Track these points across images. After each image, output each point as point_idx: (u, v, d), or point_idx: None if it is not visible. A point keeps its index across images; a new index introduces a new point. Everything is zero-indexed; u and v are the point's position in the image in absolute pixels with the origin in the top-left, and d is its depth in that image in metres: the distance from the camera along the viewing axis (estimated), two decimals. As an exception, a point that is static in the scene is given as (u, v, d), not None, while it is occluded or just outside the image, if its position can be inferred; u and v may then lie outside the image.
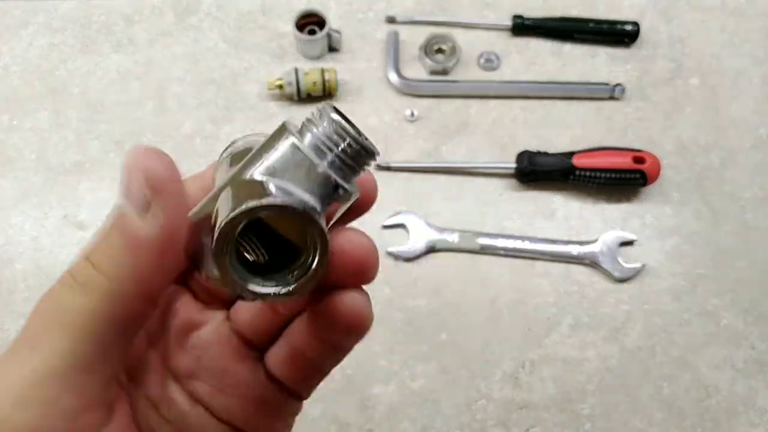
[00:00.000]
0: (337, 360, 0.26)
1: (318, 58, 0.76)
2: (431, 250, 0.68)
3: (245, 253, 0.22)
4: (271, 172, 0.21)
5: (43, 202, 0.69)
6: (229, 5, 0.79)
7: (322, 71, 0.71)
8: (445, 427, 0.62)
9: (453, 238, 0.68)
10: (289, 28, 0.74)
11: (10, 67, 0.75)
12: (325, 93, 0.72)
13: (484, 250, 0.68)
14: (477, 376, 0.64)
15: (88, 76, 0.75)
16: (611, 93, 0.74)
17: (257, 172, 0.21)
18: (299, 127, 0.23)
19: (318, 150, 0.22)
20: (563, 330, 0.66)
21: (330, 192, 0.22)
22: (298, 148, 0.22)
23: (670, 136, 0.74)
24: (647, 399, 0.64)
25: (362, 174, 0.24)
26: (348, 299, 0.23)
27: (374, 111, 0.74)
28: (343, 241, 0.22)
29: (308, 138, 0.22)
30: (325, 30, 0.73)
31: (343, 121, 0.22)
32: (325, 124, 0.22)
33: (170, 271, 0.22)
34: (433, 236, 0.68)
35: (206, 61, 0.76)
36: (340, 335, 0.24)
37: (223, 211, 0.20)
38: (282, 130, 0.22)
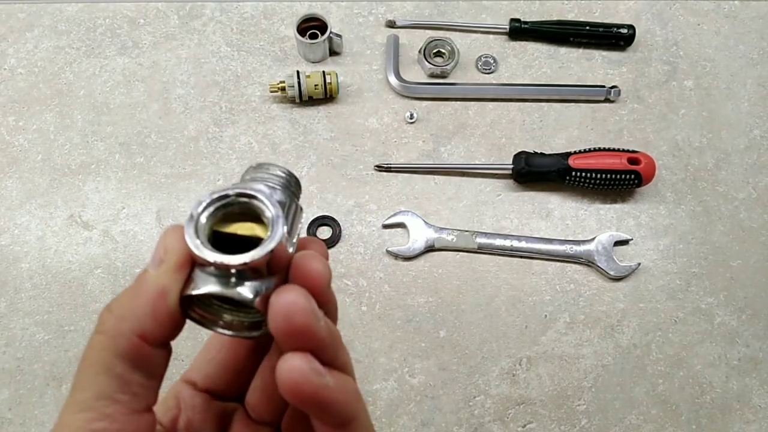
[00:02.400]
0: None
1: (319, 61, 0.77)
2: (430, 249, 0.69)
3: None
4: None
5: (49, 203, 0.70)
6: (232, 9, 0.80)
7: (324, 74, 0.72)
8: (443, 422, 0.63)
9: (451, 238, 0.69)
10: (291, 32, 0.76)
11: (15, 70, 0.76)
12: (327, 95, 0.74)
13: (482, 249, 0.69)
14: (475, 373, 0.65)
15: (94, 78, 0.76)
16: (607, 95, 0.76)
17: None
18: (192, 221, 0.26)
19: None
20: (559, 327, 0.67)
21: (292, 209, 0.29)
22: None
23: (664, 137, 0.75)
24: (642, 396, 0.64)
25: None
26: (285, 365, 0.23)
27: (374, 113, 0.75)
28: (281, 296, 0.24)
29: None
30: (327, 34, 0.74)
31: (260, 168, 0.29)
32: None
33: (163, 315, 0.25)
34: (432, 235, 0.69)
35: (210, 64, 0.77)
36: (295, 404, 0.24)
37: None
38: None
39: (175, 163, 0.72)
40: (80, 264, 0.68)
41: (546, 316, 0.67)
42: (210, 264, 0.24)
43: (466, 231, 0.69)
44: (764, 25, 0.82)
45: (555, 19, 0.79)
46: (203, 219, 0.25)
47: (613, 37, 0.78)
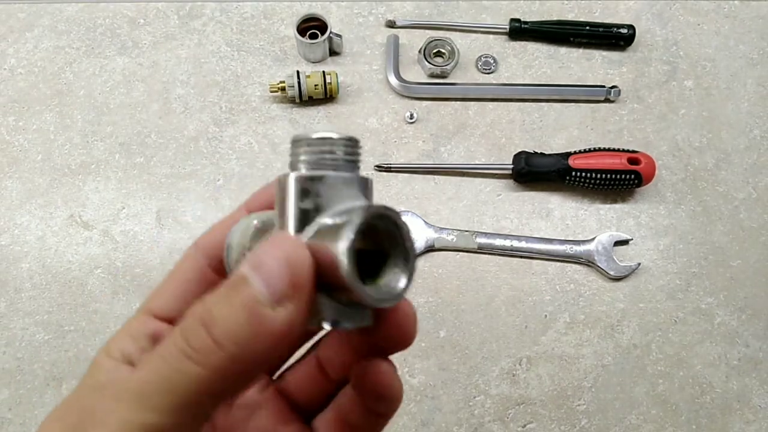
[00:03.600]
0: (379, 426, 0.27)
1: (319, 61, 0.77)
2: (430, 249, 0.69)
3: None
4: (324, 207, 0.23)
5: (49, 203, 0.70)
6: (232, 9, 0.80)
7: (324, 74, 0.72)
8: (443, 422, 0.63)
9: (451, 238, 0.69)
10: (291, 32, 0.76)
11: (15, 70, 0.76)
12: (327, 95, 0.74)
13: (482, 249, 0.69)
14: (475, 373, 0.65)
15: (93, 78, 0.76)
16: (607, 95, 0.76)
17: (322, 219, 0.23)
18: (290, 165, 0.25)
19: (321, 165, 0.24)
20: (559, 327, 0.67)
21: (367, 186, 0.24)
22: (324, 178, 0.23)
23: (664, 137, 0.75)
24: (642, 396, 0.64)
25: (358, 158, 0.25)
26: (383, 368, 0.25)
27: (374, 113, 0.75)
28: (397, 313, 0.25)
29: (306, 166, 0.24)
30: (327, 34, 0.74)
31: (321, 134, 0.24)
32: (308, 147, 0.24)
33: (284, 351, 0.24)
34: (432, 235, 0.69)
35: (210, 64, 0.77)
36: (375, 402, 0.26)
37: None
38: (284, 180, 0.23)
39: (175, 163, 0.72)
40: (80, 264, 0.68)
41: (546, 316, 0.67)
42: (365, 304, 0.21)
43: (466, 231, 0.69)
44: (764, 25, 0.82)
45: (555, 19, 0.79)
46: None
47: (613, 37, 0.78)
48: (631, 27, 0.77)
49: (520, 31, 0.78)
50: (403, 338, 0.25)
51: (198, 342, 0.20)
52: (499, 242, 0.69)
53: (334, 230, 0.21)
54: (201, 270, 0.28)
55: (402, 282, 0.22)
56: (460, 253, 0.69)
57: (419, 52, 0.76)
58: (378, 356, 0.26)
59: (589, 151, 0.70)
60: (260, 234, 0.25)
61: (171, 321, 0.26)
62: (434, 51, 0.77)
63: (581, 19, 0.79)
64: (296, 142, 0.25)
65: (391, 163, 0.72)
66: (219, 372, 0.20)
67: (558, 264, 0.69)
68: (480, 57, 0.78)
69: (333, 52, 0.77)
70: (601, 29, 0.78)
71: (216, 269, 0.27)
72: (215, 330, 0.20)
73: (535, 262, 0.69)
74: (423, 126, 0.75)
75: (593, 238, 0.69)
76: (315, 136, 0.24)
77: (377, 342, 0.25)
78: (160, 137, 0.73)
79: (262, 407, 0.28)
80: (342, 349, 0.28)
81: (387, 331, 0.25)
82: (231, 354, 0.20)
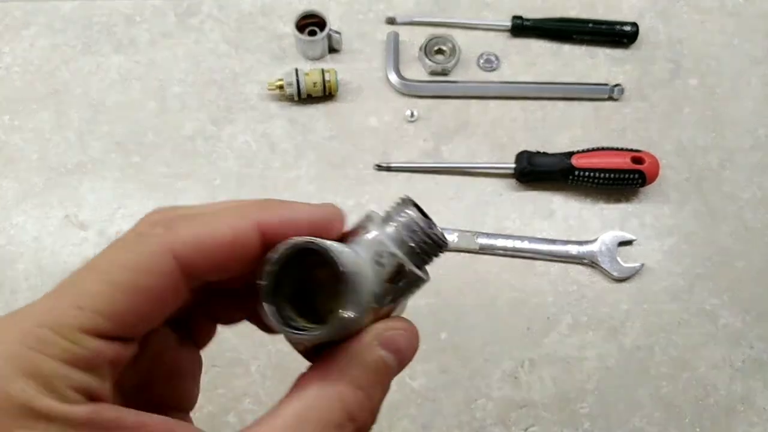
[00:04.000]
0: None
1: (318, 58, 0.76)
2: (431, 249, 0.68)
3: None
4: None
5: (45, 203, 0.69)
6: (229, 6, 0.79)
7: (323, 72, 0.71)
8: (444, 425, 0.62)
9: (452, 238, 0.68)
10: (290, 29, 0.75)
11: (11, 68, 0.75)
12: (326, 93, 0.73)
13: (484, 250, 0.68)
14: (476, 376, 0.64)
15: (90, 76, 0.75)
16: (610, 93, 0.75)
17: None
18: (383, 216, 0.26)
19: (396, 239, 0.25)
20: (562, 329, 0.66)
21: (400, 276, 0.25)
22: (378, 239, 0.25)
23: (668, 136, 0.74)
24: (646, 398, 0.64)
25: (432, 261, 0.27)
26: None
27: (374, 111, 0.74)
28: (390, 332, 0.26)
29: (388, 229, 0.25)
30: (326, 31, 0.73)
31: (419, 218, 0.26)
32: (403, 218, 0.26)
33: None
34: (433, 236, 0.68)
35: (207, 61, 0.76)
36: None
37: None
38: (367, 221, 0.26)
39: (172, 162, 0.71)
40: (76, 265, 0.66)
41: (548, 317, 0.66)
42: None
43: (468, 231, 0.68)
44: (769, 22, 0.81)
45: (558, 16, 0.78)
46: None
47: (616, 35, 0.77)
48: (634, 24, 0.77)
49: (522, 28, 0.77)
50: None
51: (360, 415, 0.24)
52: (501, 243, 0.68)
53: None
54: (168, 275, 0.23)
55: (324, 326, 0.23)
56: (462, 254, 0.68)
57: (420, 49, 0.76)
58: None
59: (593, 150, 0.69)
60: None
61: (103, 335, 0.22)
62: (435, 48, 0.76)
63: (584, 17, 0.78)
64: (409, 225, 0.26)
65: (391, 162, 0.71)
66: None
67: (561, 265, 0.68)
68: (481, 54, 0.77)
69: (332, 50, 0.77)
70: (604, 26, 0.77)
71: (187, 274, 0.23)
72: (371, 405, 0.24)
73: (537, 263, 0.68)
74: (424, 124, 0.74)
75: (596, 239, 0.68)
76: (430, 232, 0.26)
77: None
78: (157, 136, 0.72)
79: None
80: None
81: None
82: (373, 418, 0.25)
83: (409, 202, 0.26)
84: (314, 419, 0.23)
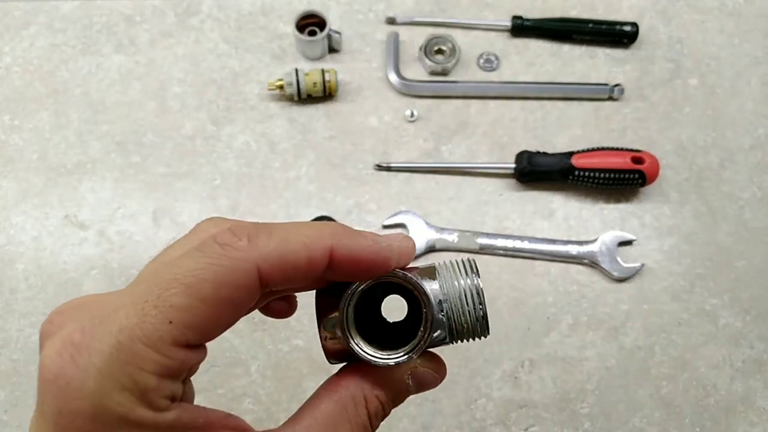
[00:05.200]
0: None
1: (318, 58, 0.76)
2: (431, 249, 0.68)
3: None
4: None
5: (44, 202, 0.69)
6: (229, 6, 0.79)
7: (323, 72, 0.71)
8: (444, 426, 0.62)
9: (452, 238, 0.68)
10: (290, 29, 0.75)
11: (11, 68, 0.75)
12: (326, 93, 0.73)
13: (484, 250, 0.68)
14: (477, 376, 0.64)
15: (90, 76, 0.75)
16: (610, 93, 0.75)
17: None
18: (449, 267, 0.28)
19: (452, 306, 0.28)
20: (562, 329, 0.66)
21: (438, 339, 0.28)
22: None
23: (668, 136, 0.74)
24: (646, 398, 0.64)
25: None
26: None
27: (374, 111, 0.74)
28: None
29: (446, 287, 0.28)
30: (326, 31, 0.73)
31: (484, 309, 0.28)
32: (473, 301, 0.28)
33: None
34: (433, 236, 0.68)
35: (207, 61, 0.76)
36: None
37: None
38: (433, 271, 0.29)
39: (172, 162, 0.71)
40: (76, 265, 0.67)
41: (549, 317, 0.66)
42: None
43: (468, 231, 0.68)
44: (769, 22, 0.81)
45: (557, 16, 0.78)
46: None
47: (616, 35, 0.77)
48: (634, 24, 0.77)
49: (522, 28, 0.77)
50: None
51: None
52: (501, 243, 0.68)
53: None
54: (251, 288, 0.24)
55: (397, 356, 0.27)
56: (462, 254, 0.68)
57: (420, 49, 0.76)
58: None
59: (593, 150, 0.69)
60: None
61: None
62: (435, 48, 0.76)
63: (584, 17, 0.78)
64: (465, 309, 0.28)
65: (391, 162, 0.71)
66: None
67: (561, 265, 0.68)
68: (481, 54, 0.77)
69: (332, 50, 0.77)
70: (604, 26, 0.77)
71: (263, 285, 0.25)
72: (382, 415, 0.28)
73: (537, 263, 0.68)
74: (424, 124, 0.74)
75: (596, 239, 0.68)
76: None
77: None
78: (157, 136, 0.72)
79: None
80: None
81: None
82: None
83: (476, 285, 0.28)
84: (345, 419, 0.27)
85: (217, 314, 0.23)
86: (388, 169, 0.71)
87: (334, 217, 0.69)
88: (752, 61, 0.78)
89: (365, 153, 0.72)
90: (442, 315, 0.27)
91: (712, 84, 0.77)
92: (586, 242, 0.68)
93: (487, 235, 0.68)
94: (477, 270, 0.28)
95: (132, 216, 0.69)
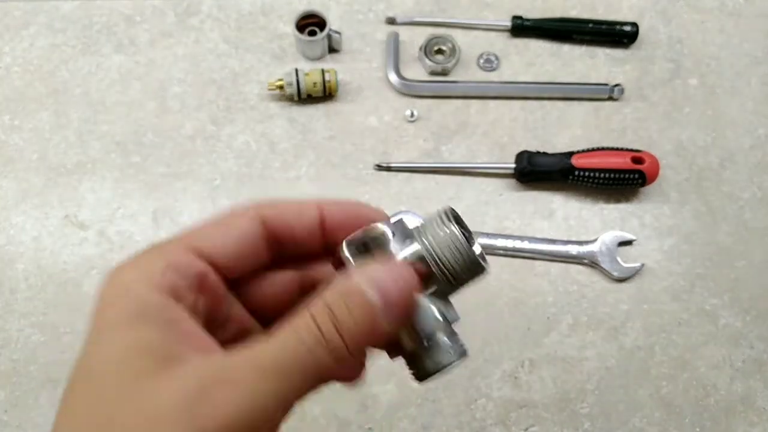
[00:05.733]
0: None
1: (318, 58, 0.76)
2: (431, 249, 0.68)
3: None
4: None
5: (44, 203, 0.69)
6: (229, 6, 0.79)
7: (323, 72, 0.71)
8: (444, 426, 0.62)
9: (453, 238, 0.68)
10: (290, 29, 0.75)
11: (11, 68, 0.75)
12: (326, 93, 0.73)
13: (484, 250, 0.68)
14: (476, 376, 0.64)
15: (90, 76, 0.75)
16: (610, 93, 0.75)
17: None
18: (420, 230, 0.28)
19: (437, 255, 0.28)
20: (562, 329, 0.66)
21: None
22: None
23: (668, 136, 0.74)
24: (646, 398, 0.64)
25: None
26: None
27: (374, 111, 0.74)
28: None
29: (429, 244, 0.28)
30: (326, 31, 0.73)
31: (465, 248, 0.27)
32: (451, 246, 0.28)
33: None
34: (433, 236, 0.68)
35: (207, 61, 0.76)
36: None
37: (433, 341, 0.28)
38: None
39: (172, 162, 0.71)
40: (76, 265, 0.67)
41: (549, 317, 0.66)
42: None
43: (468, 231, 0.68)
44: (769, 22, 0.81)
45: (557, 16, 0.78)
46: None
47: (616, 35, 0.77)
48: (634, 24, 0.77)
49: (522, 28, 0.77)
50: None
51: (329, 333, 0.24)
52: (501, 243, 0.68)
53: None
54: (256, 234, 0.29)
55: (447, 359, 0.28)
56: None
57: (420, 49, 0.76)
58: None
59: (593, 150, 0.69)
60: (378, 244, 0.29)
61: (215, 265, 0.27)
62: (435, 48, 0.76)
63: (584, 17, 0.78)
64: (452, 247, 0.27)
65: (391, 162, 0.71)
66: (340, 362, 0.24)
67: (561, 265, 0.68)
68: (481, 54, 0.77)
69: (332, 50, 0.77)
70: (604, 26, 0.77)
71: (267, 241, 0.29)
72: (342, 328, 0.24)
73: (537, 263, 0.68)
74: (424, 124, 0.74)
75: (596, 239, 0.68)
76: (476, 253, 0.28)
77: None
78: (157, 136, 0.72)
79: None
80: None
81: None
82: (352, 350, 0.25)
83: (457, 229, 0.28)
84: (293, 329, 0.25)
85: (241, 248, 0.28)
86: (388, 169, 0.71)
87: (334, 217, 0.69)
88: (752, 61, 0.78)
89: (365, 153, 0.72)
90: (437, 270, 0.27)
91: (712, 84, 0.77)
92: (586, 242, 0.68)
93: (487, 235, 0.68)
94: (454, 216, 0.28)
95: (132, 216, 0.69)
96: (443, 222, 0.28)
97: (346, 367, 0.26)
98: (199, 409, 0.22)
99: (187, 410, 0.22)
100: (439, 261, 0.27)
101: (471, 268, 0.28)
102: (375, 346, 0.27)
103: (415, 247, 0.28)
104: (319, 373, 0.24)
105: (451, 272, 0.27)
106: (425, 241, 0.28)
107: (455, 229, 0.27)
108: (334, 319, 0.24)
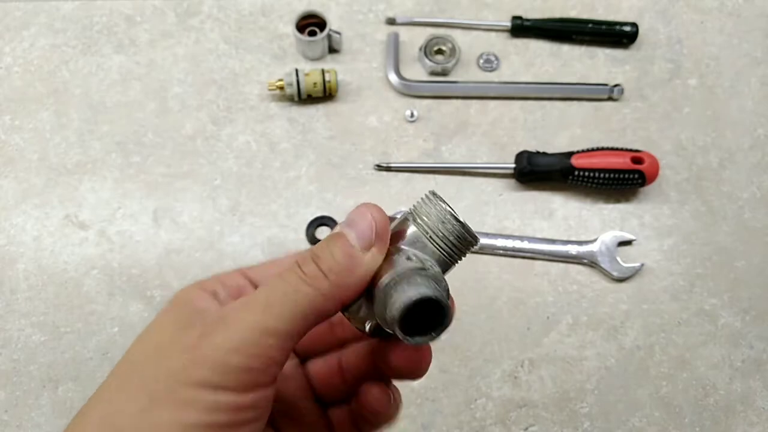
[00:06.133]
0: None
1: (318, 59, 0.76)
2: (431, 249, 0.68)
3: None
4: (417, 259, 0.29)
5: (45, 203, 0.69)
6: (230, 6, 0.79)
7: (323, 72, 0.71)
8: (444, 425, 0.62)
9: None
10: (290, 29, 0.75)
11: (11, 68, 0.75)
12: (326, 93, 0.73)
13: (484, 250, 0.68)
14: (476, 375, 0.64)
15: (90, 76, 0.75)
16: (610, 93, 0.75)
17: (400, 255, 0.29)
18: (422, 219, 0.30)
19: (441, 248, 0.30)
20: (562, 329, 0.66)
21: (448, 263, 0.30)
22: (428, 243, 0.30)
23: (668, 136, 0.74)
24: (646, 398, 0.64)
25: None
26: (376, 394, 0.32)
27: (374, 111, 0.74)
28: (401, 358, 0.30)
29: (435, 237, 0.30)
30: (326, 31, 0.73)
31: (462, 229, 0.29)
32: (448, 227, 0.29)
33: (358, 294, 0.29)
34: (433, 236, 0.68)
35: (207, 62, 0.76)
36: (365, 419, 0.33)
37: (391, 292, 0.28)
38: (407, 221, 0.30)
39: (172, 162, 0.71)
40: (76, 265, 0.67)
41: (548, 317, 0.66)
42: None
43: (468, 231, 0.68)
44: (768, 22, 0.81)
45: (557, 16, 0.78)
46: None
47: (616, 35, 0.77)
48: (634, 24, 0.77)
49: (522, 28, 0.77)
50: (410, 372, 0.30)
51: (310, 271, 0.28)
52: (500, 243, 0.68)
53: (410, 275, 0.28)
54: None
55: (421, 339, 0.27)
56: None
57: (420, 49, 0.76)
58: (388, 378, 0.32)
59: (592, 150, 0.69)
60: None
61: (255, 284, 0.32)
62: (435, 48, 0.76)
63: (584, 17, 0.79)
64: (443, 218, 0.29)
65: (391, 162, 0.71)
66: (323, 294, 0.27)
67: (561, 265, 0.68)
68: (481, 55, 0.77)
69: (332, 50, 0.77)
70: (603, 27, 0.77)
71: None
72: (323, 264, 0.28)
73: (537, 262, 0.68)
74: (424, 125, 0.74)
75: (596, 239, 0.68)
76: (463, 230, 0.29)
77: (387, 367, 0.30)
78: (157, 136, 0.72)
79: (293, 378, 0.34)
80: (360, 359, 0.33)
81: (398, 361, 0.30)
82: (332, 281, 0.27)
83: (448, 214, 0.29)
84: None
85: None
86: (388, 169, 0.71)
87: (334, 217, 0.69)
88: (752, 61, 0.78)
89: (365, 153, 0.72)
90: (439, 249, 0.29)
91: (712, 84, 0.77)
92: (586, 242, 0.68)
93: (487, 234, 0.68)
94: (438, 196, 0.30)
95: (132, 216, 0.69)
96: (431, 201, 0.30)
97: (335, 300, 0.28)
98: (200, 343, 0.26)
99: (192, 346, 0.26)
100: (434, 235, 0.29)
101: (463, 237, 0.30)
102: (359, 284, 0.28)
103: (409, 226, 0.30)
104: (304, 306, 0.27)
105: (447, 243, 0.29)
106: (420, 221, 0.30)
107: (444, 205, 0.29)
108: (316, 259, 0.28)
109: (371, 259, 0.28)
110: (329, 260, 0.28)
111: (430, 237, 0.29)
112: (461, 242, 0.30)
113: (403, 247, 0.30)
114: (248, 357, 0.25)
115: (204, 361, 0.25)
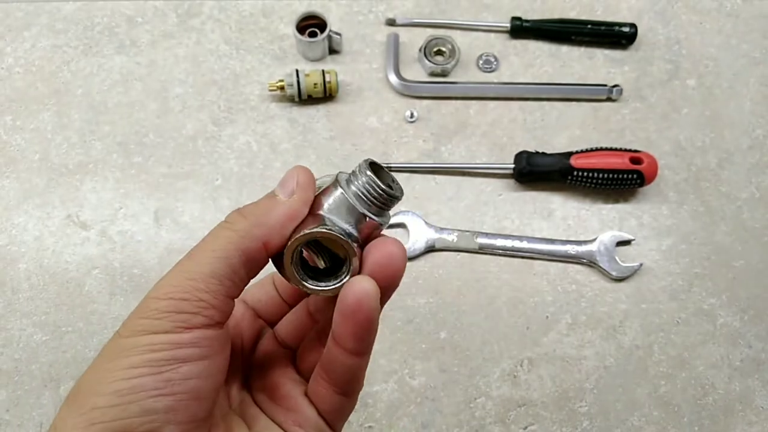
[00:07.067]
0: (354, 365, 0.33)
1: (319, 59, 0.77)
2: (431, 249, 0.68)
3: (317, 261, 0.32)
4: (328, 211, 0.31)
5: (46, 203, 0.70)
6: (230, 7, 0.79)
7: (323, 73, 0.72)
8: (444, 424, 0.62)
9: (452, 238, 0.68)
10: (290, 30, 0.75)
11: (13, 69, 0.76)
12: (326, 94, 0.73)
13: (483, 250, 0.68)
14: (476, 374, 0.64)
15: (91, 77, 0.75)
16: (609, 94, 0.75)
17: (320, 210, 0.31)
18: (347, 177, 0.32)
19: (358, 196, 0.31)
20: (561, 329, 0.66)
21: (366, 223, 0.31)
22: (345, 196, 0.31)
23: (667, 136, 0.75)
24: (644, 397, 0.64)
25: (391, 207, 0.32)
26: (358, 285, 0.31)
27: (374, 112, 0.75)
28: (378, 253, 0.31)
29: (352, 188, 0.31)
30: (326, 32, 0.73)
31: (374, 177, 0.31)
32: (363, 178, 0.31)
33: (284, 236, 0.31)
34: (433, 236, 0.68)
35: (208, 62, 0.76)
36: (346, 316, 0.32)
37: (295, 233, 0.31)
38: (335, 183, 0.32)
39: (173, 162, 0.72)
40: (78, 264, 0.67)
41: (547, 317, 0.66)
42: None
43: (467, 231, 0.69)
44: (767, 23, 0.81)
45: (556, 17, 0.78)
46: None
47: (615, 36, 0.77)
48: (633, 25, 0.77)
49: (521, 29, 0.77)
50: (388, 276, 0.31)
51: (231, 217, 0.31)
52: (500, 242, 0.68)
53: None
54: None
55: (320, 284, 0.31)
56: (461, 254, 0.69)
57: (420, 50, 0.76)
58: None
59: (591, 150, 0.69)
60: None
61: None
62: (435, 49, 0.76)
63: (583, 18, 0.79)
64: (361, 166, 0.31)
65: (391, 162, 0.72)
66: (241, 234, 0.30)
67: (560, 264, 0.69)
68: (481, 55, 0.78)
69: (332, 51, 0.77)
70: (602, 27, 0.77)
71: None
72: (243, 210, 0.31)
73: (536, 262, 0.69)
74: (423, 125, 0.74)
75: (595, 239, 0.68)
76: (370, 176, 0.31)
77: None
78: (158, 137, 0.73)
79: (277, 359, 0.36)
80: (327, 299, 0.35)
81: (373, 267, 0.31)
82: (250, 221, 0.30)
83: (365, 166, 0.31)
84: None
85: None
86: (388, 169, 0.71)
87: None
88: (750, 62, 0.79)
89: (365, 153, 0.72)
90: (363, 207, 0.31)
91: (711, 85, 0.77)
92: (585, 242, 0.69)
93: (487, 234, 0.69)
94: (368, 162, 0.31)
95: (133, 216, 0.69)
96: (358, 165, 0.32)
97: (255, 238, 0.30)
98: (140, 303, 0.30)
99: (135, 308, 0.30)
100: (358, 191, 0.31)
101: (378, 187, 0.31)
102: (279, 222, 0.30)
103: (336, 186, 0.32)
104: (224, 246, 0.29)
105: (364, 195, 0.31)
106: (343, 181, 0.32)
107: (370, 173, 0.31)
108: (239, 208, 0.31)
109: (291, 201, 0.31)
110: (250, 206, 0.31)
111: (354, 194, 0.31)
112: (376, 192, 0.32)
113: (326, 204, 0.32)
114: (177, 301, 0.28)
115: (141, 312, 0.29)
